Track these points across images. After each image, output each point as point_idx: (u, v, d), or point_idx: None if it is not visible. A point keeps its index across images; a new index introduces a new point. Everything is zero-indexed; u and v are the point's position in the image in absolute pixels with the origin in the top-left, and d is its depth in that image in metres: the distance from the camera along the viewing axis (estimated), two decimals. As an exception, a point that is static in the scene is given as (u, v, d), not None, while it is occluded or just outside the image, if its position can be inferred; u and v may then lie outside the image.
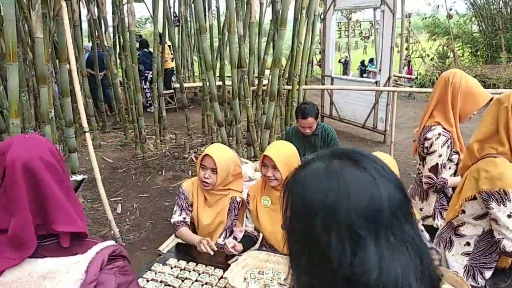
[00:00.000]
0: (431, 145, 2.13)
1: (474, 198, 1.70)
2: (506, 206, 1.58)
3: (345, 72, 12.71)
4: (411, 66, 11.35)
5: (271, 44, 5.44)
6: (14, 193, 0.94)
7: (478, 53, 13.81)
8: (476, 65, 12.05)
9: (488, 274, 1.80)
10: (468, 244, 1.80)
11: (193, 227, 2.36)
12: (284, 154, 2.11)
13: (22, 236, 0.93)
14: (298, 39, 4.88)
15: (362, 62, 13.05)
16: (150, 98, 8.00)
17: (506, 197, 1.58)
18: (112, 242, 1.03)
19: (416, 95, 9.58)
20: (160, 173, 5.21)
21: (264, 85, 5.15)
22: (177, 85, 7.74)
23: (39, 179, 0.95)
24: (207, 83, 5.66)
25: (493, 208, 1.60)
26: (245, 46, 4.79)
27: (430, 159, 2.15)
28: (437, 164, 2.12)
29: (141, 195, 4.66)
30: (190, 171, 5.20)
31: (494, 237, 1.69)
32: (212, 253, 2.08)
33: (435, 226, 2.28)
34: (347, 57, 13.83)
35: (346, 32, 14.11)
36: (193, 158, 5.56)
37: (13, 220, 0.94)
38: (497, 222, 1.61)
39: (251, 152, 4.96)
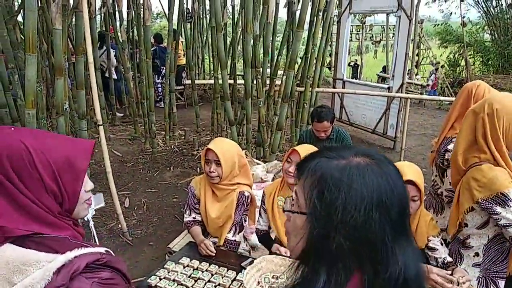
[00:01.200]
0: None
1: (472, 209, 1.71)
2: (510, 206, 1.60)
3: (354, 76, 12.64)
4: (437, 76, 11.01)
5: (285, 45, 5.43)
6: None
7: (489, 62, 13.74)
8: (487, 75, 11.97)
9: (502, 283, 1.79)
10: (477, 254, 1.80)
11: (203, 223, 2.36)
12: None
13: None
14: (313, 41, 4.86)
15: (384, 68, 12.66)
16: (161, 93, 8.00)
17: (506, 198, 1.60)
18: (101, 250, 0.95)
19: (426, 102, 9.52)
20: (168, 169, 5.21)
21: (276, 86, 5.14)
22: (188, 82, 7.74)
23: None
24: (219, 81, 5.67)
25: (500, 213, 1.61)
26: (260, 46, 4.77)
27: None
28: None
29: (149, 190, 4.66)
30: (198, 168, 5.19)
31: (502, 243, 1.71)
32: (213, 255, 2.09)
33: (449, 240, 2.25)
34: (356, 60, 13.78)
35: (357, 35, 14.06)
36: (202, 156, 5.56)
37: None
38: (511, 225, 1.61)
39: (260, 152, 4.95)
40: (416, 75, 11.19)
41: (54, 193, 0.96)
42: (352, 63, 13.59)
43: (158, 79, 8.04)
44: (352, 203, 0.65)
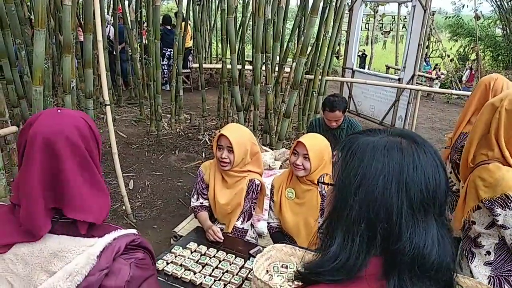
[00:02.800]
0: None
1: (479, 207, 1.67)
2: (511, 209, 1.56)
3: (362, 66, 12.47)
4: (474, 71, 10.45)
5: (296, 32, 5.33)
6: (27, 170, 0.87)
7: (499, 57, 13.54)
8: (498, 70, 11.81)
9: None
10: (488, 253, 1.75)
11: (211, 209, 2.32)
12: (318, 145, 2.06)
13: (30, 222, 0.88)
14: (325, 28, 4.76)
15: None
16: (166, 76, 7.92)
17: (509, 201, 1.55)
18: (133, 231, 0.95)
19: (435, 95, 9.42)
20: (173, 152, 5.18)
21: (285, 74, 5.06)
22: (195, 65, 7.65)
23: (58, 159, 0.88)
24: (227, 66, 5.59)
25: (499, 214, 1.57)
26: (270, 30, 4.67)
27: None
28: None
29: (154, 173, 4.63)
30: (203, 153, 5.16)
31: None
32: (220, 241, 2.07)
33: (455, 235, 2.22)
34: (364, 50, 13.59)
35: (367, 25, 13.83)
36: (207, 141, 5.52)
37: (22, 203, 0.88)
38: (506, 227, 1.59)
39: (267, 139, 4.90)
40: (431, 66, 10.93)
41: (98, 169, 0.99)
42: (359, 53, 13.39)
43: (162, 61, 7.93)
44: (372, 171, 0.68)
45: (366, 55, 13.15)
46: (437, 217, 0.69)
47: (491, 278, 1.77)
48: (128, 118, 6.27)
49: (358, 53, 13.14)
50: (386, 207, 0.66)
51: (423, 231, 0.66)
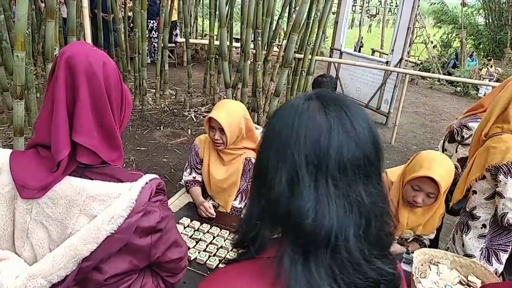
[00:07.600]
0: (469, 137, 2.07)
1: (484, 177, 1.72)
2: None
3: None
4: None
5: (287, 8, 5.23)
6: (54, 88, 0.91)
7: (481, 46, 13.77)
8: (479, 58, 12.00)
9: (504, 256, 1.81)
10: (484, 226, 1.81)
11: (203, 185, 2.27)
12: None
13: (54, 147, 0.90)
14: (317, 6, 4.67)
15: (457, 55, 11.38)
16: (147, 49, 7.68)
17: None
18: (156, 176, 1.01)
19: (418, 81, 9.52)
20: (158, 128, 5.06)
21: (275, 51, 4.97)
22: (180, 40, 7.44)
23: (76, 82, 0.90)
24: (214, 41, 5.46)
25: (501, 181, 1.62)
26: (261, 6, 4.55)
27: (463, 151, 2.10)
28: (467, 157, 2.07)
29: (138, 148, 4.53)
30: (189, 130, 5.06)
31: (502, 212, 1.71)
32: (213, 217, 2.03)
33: (451, 206, 2.25)
34: (362, 38, 13.43)
35: (354, 7, 13.72)
36: (193, 117, 5.41)
37: (52, 125, 0.91)
38: (502, 195, 1.64)
39: (254, 118, 4.84)
40: (477, 62, 10.63)
41: (119, 119, 1.01)
42: (357, 43, 13.18)
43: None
44: (265, 135, 0.68)
45: (362, 45, 12.69)
46: (323, 183, 0.61)
47: (483, 250, 1.83)
48: (111, 92, 6.08)
49: (356, 42, 12.90)
50: (267, 169, 0.64)
51: (295, 196, 0.61)
